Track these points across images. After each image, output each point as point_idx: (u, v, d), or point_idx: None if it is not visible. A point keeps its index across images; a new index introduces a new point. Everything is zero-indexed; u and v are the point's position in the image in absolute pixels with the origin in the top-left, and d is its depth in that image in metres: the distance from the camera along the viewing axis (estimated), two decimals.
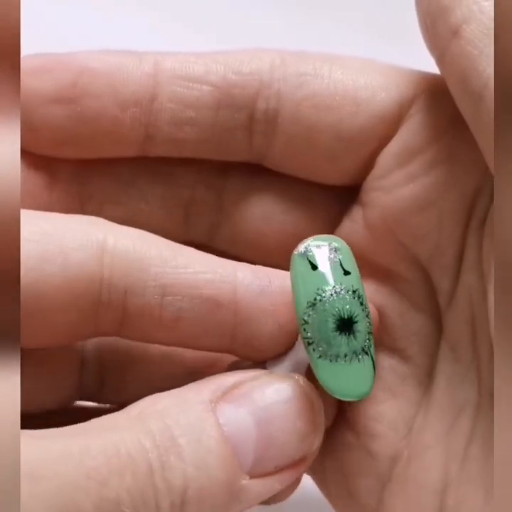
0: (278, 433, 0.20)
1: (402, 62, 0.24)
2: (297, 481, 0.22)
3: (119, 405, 0.23)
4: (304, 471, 0.21)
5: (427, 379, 0.23)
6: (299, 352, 0.21)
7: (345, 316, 0.20)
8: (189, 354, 0.24)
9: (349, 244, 0.24)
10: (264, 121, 0.24)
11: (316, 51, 0.24)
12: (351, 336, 0.20)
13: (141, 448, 0.18)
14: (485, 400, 0.22)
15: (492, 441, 0.21)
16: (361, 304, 0.21)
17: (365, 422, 0.23)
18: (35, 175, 0.24)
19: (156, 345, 0.23)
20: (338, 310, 0.20)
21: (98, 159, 0.24)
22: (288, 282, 0.21)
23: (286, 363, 0.22)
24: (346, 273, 0.21)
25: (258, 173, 0.25)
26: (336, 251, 0.21)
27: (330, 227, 0.25)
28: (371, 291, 0.24)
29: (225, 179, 0.25)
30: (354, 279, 0.21)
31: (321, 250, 0.21)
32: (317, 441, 0.21)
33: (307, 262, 0.21)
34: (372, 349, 0.21)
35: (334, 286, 0.20)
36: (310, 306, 0.20)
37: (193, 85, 0.23)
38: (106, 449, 0.18)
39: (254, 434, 0.20)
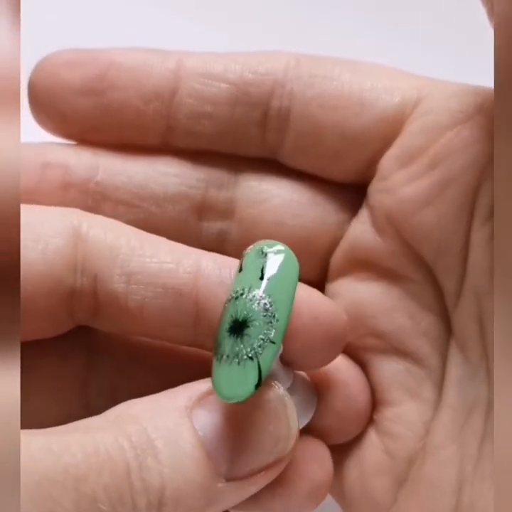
0: (252, 437, 0.20)
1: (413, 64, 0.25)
2: (323, 495, 0.22)
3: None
4: (277, 474, 0.21)
5: (441, 380, 0.23)
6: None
7: (240, 319, 0.20)
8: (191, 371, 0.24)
9: (359, 246, 0.24)
10: (277, 118, 0.25)
11: (337, 55, 0.26)
12: (238, 338, 0.20)
13: (118, 447, 0.18)
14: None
15: None
16: (266, 310, 0.20)
17: (385, 423, 0.24)
18: (50, 175, 0.25)
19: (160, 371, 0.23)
20: (236, 311, 0.20)
21: (111, 161, 0.25)
22: None
23: None
24: (262, 278, 0.20)
25: (269, 177, 0.26)
26: (264, 256, 0.20)
27: (340, 230, 0.25)
28: (380, 293, 0.24)
29: (236, 184, 0.26)
30: (271, 287, 0.20)
31: (252, 254, 0.21)
32: (290, 445, 0.20)
33: (239, 264, 0.21)
34: (263, 358, 0.19)
35: (243, 289, 0.20)
36: (224, 304, 0.20)
37: (211, 82, 0.25)
38: (84, 447, 0.18)
39: (229, 439, 0.20)
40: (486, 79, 0.22)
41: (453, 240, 0.23)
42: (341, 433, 0.24)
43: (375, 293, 0.24)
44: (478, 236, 0.22)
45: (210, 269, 0.22)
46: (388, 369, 0.24)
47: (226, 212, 0.26)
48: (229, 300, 0.20)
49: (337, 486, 0.24)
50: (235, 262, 0.22)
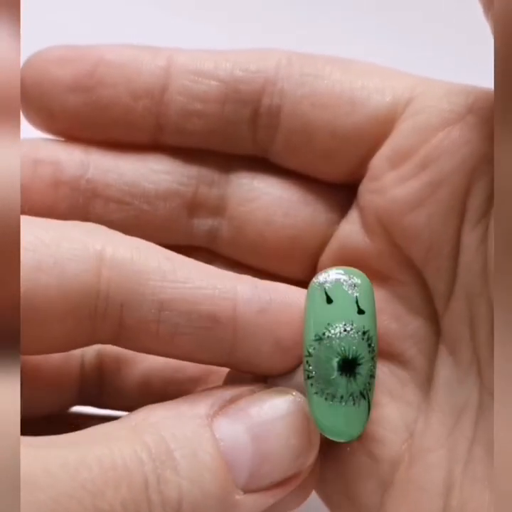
0: (273, 449, 0.20)
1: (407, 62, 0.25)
2: (307, 492, 0.23)
3: (119, 410, 0.23)
4: (296, 486, 0.21)
5: (427, 382, 0.23)
6: (301, 373, 0.21)
7: (350, 357, 0.20)
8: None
9: (348, 246, 0.24)
10: (267, 117, 0.25)
11: (334, 53, 0.25)
12: (351, 377, 0.20)
13: (137, 460, 0.18)
14: (487, 401, 0.22)
15: None
16: (369, 345, 0.20)
17: (367, 426, 0.23)
18: (41, 172, 0.25)
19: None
20: (344, 349, 0.20)
21: (102, 158, 0.25)
22: (289, 298, 0.21)
23: (288, 380, 0.21)
24: (360, 312, 0.21)
25: (260, 175, 0.26)
26: (354, 286, 0.21)
27: (329, 230, 0.25)
28: None
29: (228, 182, 0.26)
30: (367, 319, 0.20)
31: (340, 284, 0.21)
32: (311, 459, 0.21)
33: (323, 294, 0.21)
34: (371, 393, 0.20)
35: (345, 324, 0.20)
36: (317, 340, 0.20)
37: (201, 80, 0.25)
38: (102, 461, 0.18)
39: (250, 450, 0.20)
40: (486, 79, 0.22)
41: (443, 241, 0.23)
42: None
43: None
44: (470, 237, 0.22)
45: (248, 295, 0.21)
46: None
47: (217, 209, 0.26)
48: (327, 336, 0.20)
49: (323, 491, 0.24)
50: (271, 286, 0.21)
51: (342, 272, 0.21)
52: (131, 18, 0.39)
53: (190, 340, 0.21)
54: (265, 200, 0.25)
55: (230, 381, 0.23)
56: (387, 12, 0.39)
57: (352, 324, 0.20)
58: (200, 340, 0.21)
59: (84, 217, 0.24)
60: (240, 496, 0.19)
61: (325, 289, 0.21)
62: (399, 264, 0.23)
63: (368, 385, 0.20)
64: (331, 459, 0.24)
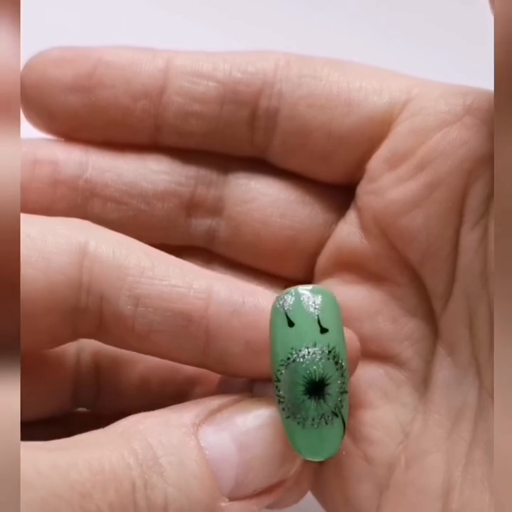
0: (258, 458, 0.20)
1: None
2: (305, 489, 0.23)
3: (117, 411, 0.23)
4: (281, 494, 0.21)
5: (424, 384, 0.23)
6: None
7: (317, 379, 0.20)
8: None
9: (345, 248, 0.24)
10: (265, 118, 0.25)
11: (334, 55, 0.26)
12: (321, 400, 0.20)
13: (124, 465, 0.18)
14: (486, 402, 0.22)
15: None
16: (336, 363, 0.20)
17: (362, 428, 0.24)
18: (39, 172, 0.25)
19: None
20: (309, 372, 0.20)
21: (101, 158, 0.25)
22: (263, 301, 0.21)
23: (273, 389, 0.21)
24: (323, 330, 0.20)
25: (258, 176, 0.26)
26: (315, 305, 0.20)
27: (327, 231, 0.25)
28: (364, 296, 0.24)
29: (225, 182, 0.26)
30: (332, 336, 0.20)
31: (301, 304, 0.20)
32: (295, 466, 0.21)
33: (284, 317, 0.20)
34: (343, 409, 0.20)
35: (308, 347, 0.20)
36: (283, 365, 0.20)
37: (199, 81, 0.25)
38: (91, 464, 0.18)
39: (235, 458, 0.20)
40: (483, 80, 0.22)
41: (441, 243, 0.23)
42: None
43: (360, 296, 0.24)
44: (468, 239, 0.22)
45: (222, 296, 0.21)
46: (367, 373, 0.24)
47: (215, 209, 0.26)
48: (292, 360, 0.20)
49: (320, 494, 0.24)
50: (247, 288, 0.21)
51: (303, 290, 0.20)
52: (131, 20, 0.39)
53: (165, 338, 0.21)
54: (263, 200, 0.25)
55: (222, 385, 0.23)
56: (384, 14, 0.40)
57: (315, 345, 0.20)
58: (175, 338, 0.21)
59: (83, 216, 0.24)
60: (225, 504, 0.19)
61: (285, 312, 0.20)
62: (396, 265, 0.24)
63: (339, 402, 0.20)
64: (326, 462, 0.24)
